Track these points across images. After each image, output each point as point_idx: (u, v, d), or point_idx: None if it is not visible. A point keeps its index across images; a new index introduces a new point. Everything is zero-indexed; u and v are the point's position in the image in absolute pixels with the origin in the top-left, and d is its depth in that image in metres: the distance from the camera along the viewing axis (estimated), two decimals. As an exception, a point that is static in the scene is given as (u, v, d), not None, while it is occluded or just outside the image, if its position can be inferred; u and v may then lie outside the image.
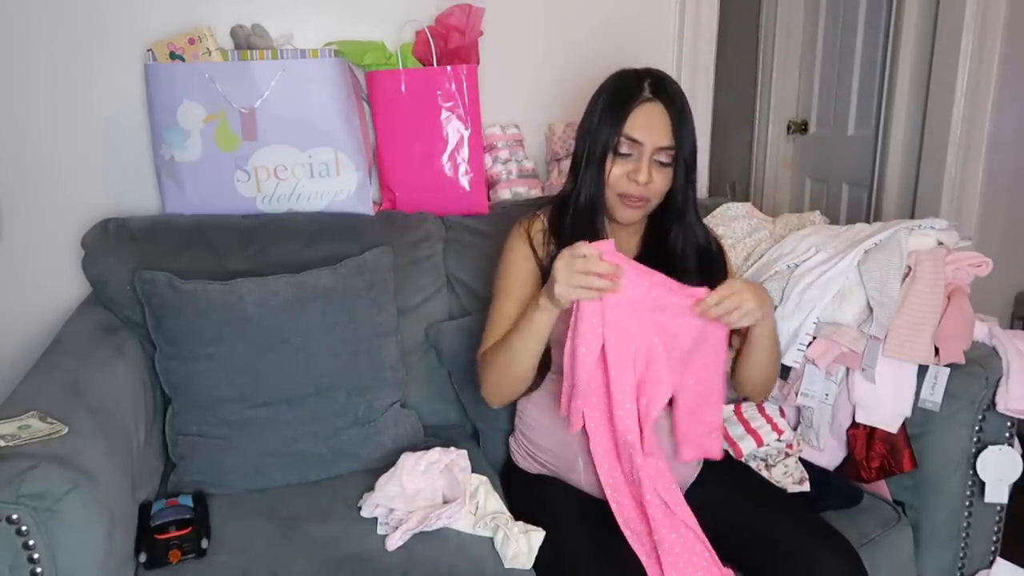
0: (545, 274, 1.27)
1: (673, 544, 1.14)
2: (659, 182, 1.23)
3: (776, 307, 1.50)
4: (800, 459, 1.51)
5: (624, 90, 1.23)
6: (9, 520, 0.90)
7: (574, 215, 1.28)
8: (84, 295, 1.59)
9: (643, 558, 1.16)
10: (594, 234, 1.27)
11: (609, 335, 1.12)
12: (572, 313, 1.13)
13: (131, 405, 1.29)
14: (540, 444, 1.35)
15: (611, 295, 1.10)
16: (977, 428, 1.39)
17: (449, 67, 1.63)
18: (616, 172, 1.23)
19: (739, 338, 1.29)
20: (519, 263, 1.31)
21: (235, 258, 1.49)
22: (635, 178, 1.21)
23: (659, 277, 1.13)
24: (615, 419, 1.16)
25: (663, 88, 1.22)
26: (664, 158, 1.22)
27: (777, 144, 3.02)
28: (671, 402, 1.18)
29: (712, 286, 1.15)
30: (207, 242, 1.50)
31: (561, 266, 1.08)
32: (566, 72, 1.92)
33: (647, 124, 1.21)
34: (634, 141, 1.21)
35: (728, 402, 1.53)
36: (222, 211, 1.56)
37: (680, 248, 1.31)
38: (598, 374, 1.15)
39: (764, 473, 1.44)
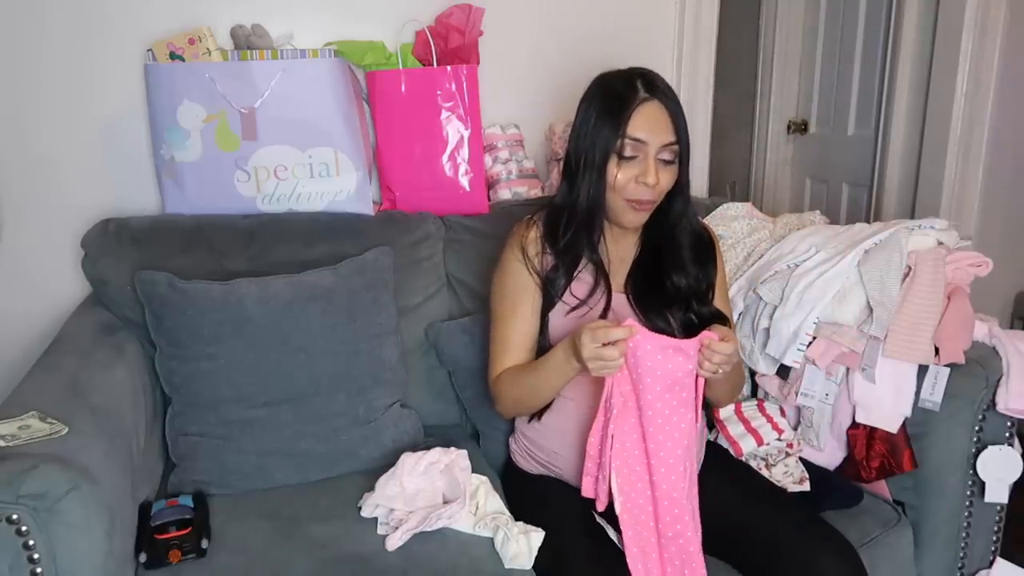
0: (543, 284, 1.28)
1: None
2: (665, 181, 1.23)
3: (776, 307, 1.50)
4: (800, 459, 1.51)
5: (618, 92, 1.22)
6: (9, 520, 0.90)
7: (571, 222, 1.27)
8: (84, 295, 1.58)
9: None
10: (592, 241, 1.28)
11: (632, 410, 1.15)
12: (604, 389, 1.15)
13: (131, 405, 1.29)
14: (540, 444, 1.35)
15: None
16: (977, 428, 1.39)
17: (449, 67, 1.63)
18: (622, 177, 1.21)
19: None
20: (517, 280, 1.30)
21: (235, 258, 1.49)
22: (644, 180, 1.20)
23: (670, 343, 1.12)
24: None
25: (656, 85, 1.22)
26: (668, 155, 1.22)
27: (777, 144, 3.02)
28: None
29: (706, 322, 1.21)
30: (207, 242, 1.50)
31: (587, 341, 1.09)
32: (566, 72, 1.92)
33: (650, 123, 1.20)
34: (639, 141, 1.20)
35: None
36: (222, 211, 1.56)
37: (679, 239, 1.31)
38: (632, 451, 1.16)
39: (764, 472, 1.44)
